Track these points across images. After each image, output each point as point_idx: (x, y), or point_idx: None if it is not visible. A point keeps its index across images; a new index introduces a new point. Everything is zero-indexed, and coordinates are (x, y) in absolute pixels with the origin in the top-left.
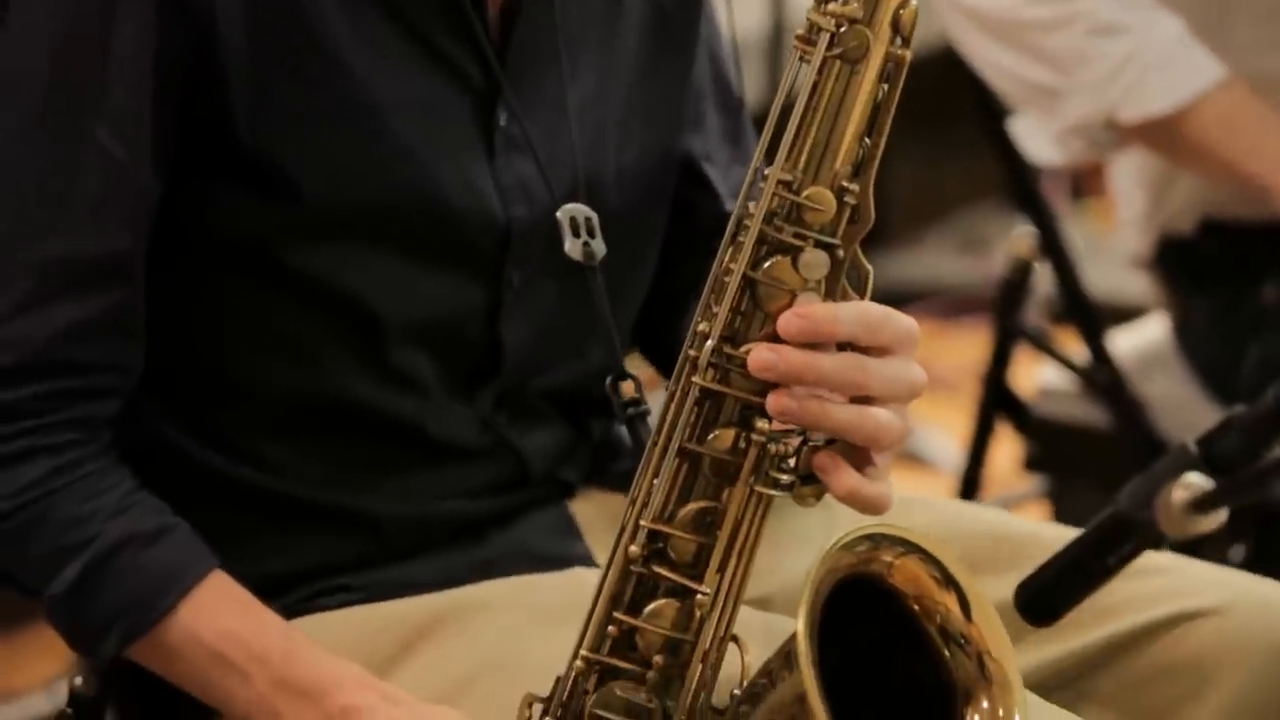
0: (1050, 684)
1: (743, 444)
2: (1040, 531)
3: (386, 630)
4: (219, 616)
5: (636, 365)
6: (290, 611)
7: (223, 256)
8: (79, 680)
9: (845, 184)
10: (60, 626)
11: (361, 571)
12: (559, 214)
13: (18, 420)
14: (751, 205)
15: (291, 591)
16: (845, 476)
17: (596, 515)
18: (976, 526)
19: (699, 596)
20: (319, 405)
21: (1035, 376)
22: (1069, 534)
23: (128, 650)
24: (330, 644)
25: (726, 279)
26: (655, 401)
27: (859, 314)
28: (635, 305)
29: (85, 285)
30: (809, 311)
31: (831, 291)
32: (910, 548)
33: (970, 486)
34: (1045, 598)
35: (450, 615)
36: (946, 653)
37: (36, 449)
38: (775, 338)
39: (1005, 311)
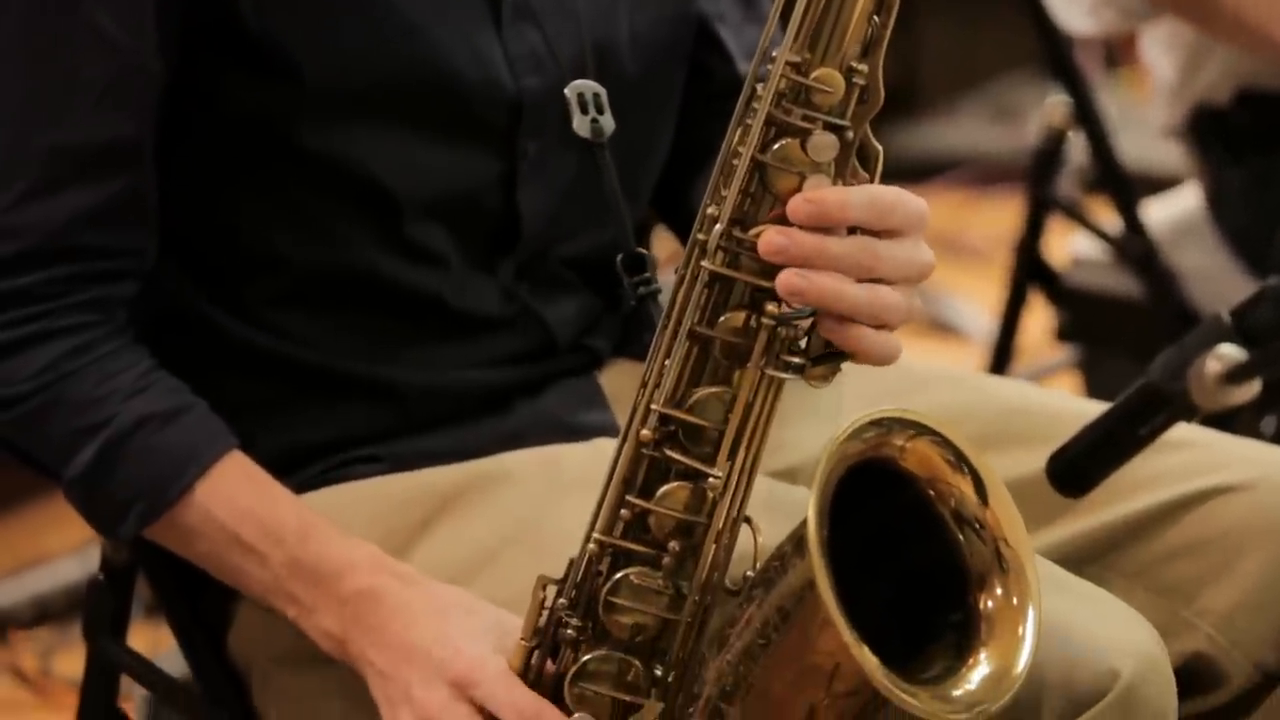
0: (1078, 558)
1: (753, 327)
2: (1067, 405)
3: (412, 500)
4: (235, 497)
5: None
6: (317, 481)
7: (235, 138)
8: (110, 546)
9: (854, 64)
10: (79, 507)
11: (388, 442)
12: (566, 91)
13: (31, 304)
14: (760, 87)
15: (318, 461)
16: (853, 331)
17: (625, 386)
18: (1003, 401)
19: (711, 479)
20: (340, 279)
21: (1068, 246)
22: (1096, 407)
23: (145, 530)
24: (356, 514)
25: (735, 162)
26: (667, 280)
27: (869, 198)
28: (652, 176)
29: (93, 172)
30: (818, 197)
31: (841, 173)
32: (922, 430)
33: (1001, 356)
34: (1077, 468)
35: (475, 485)
36: (960, 537)
37: (51, 332)
38: (784, 220)
39: (1038, 181)
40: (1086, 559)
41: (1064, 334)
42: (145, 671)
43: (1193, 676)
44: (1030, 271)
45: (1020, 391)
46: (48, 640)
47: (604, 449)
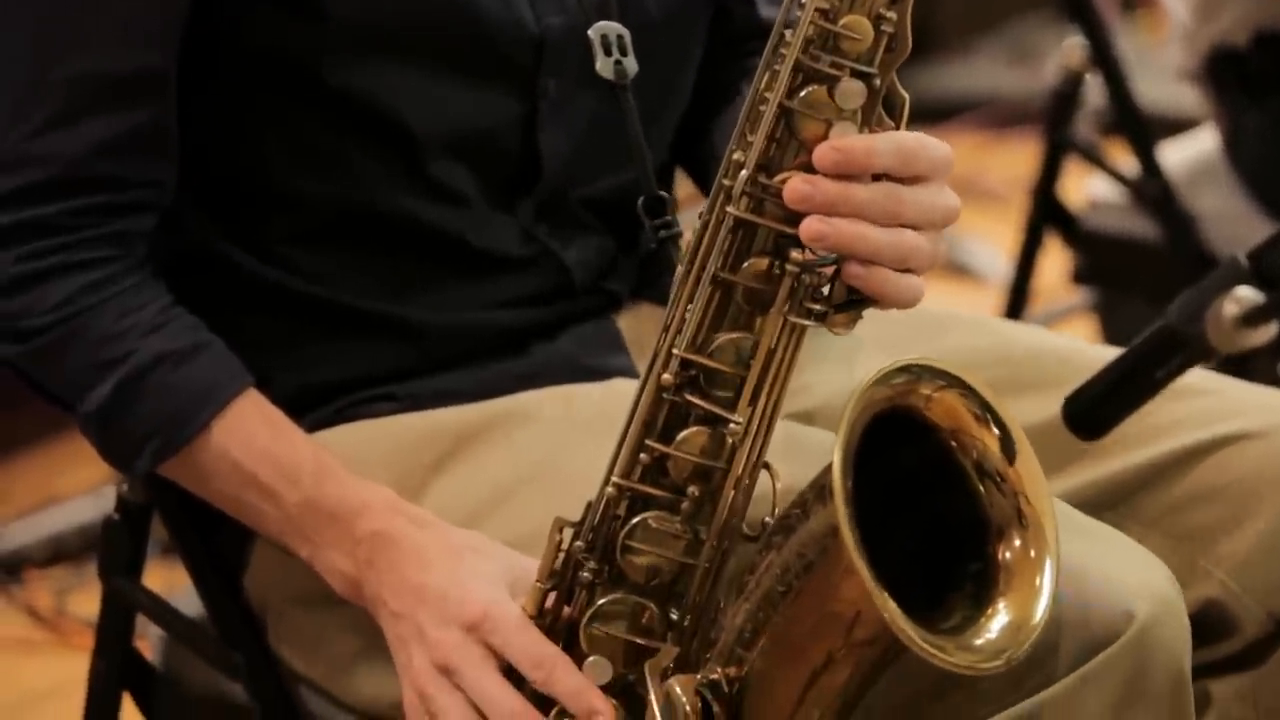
0: (1095, 504)
1: (776, 273)
2: (1083, 349)
3: (427, 439)
4: (251, 436)
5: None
6: (333, 419)
7: (258, 73)
8: (126, 487)
9: (883, 12)
10: (94, 441)
11: (404, 381)
12: (590, 32)
13: (51, 236)
14: (788, 33)
15: (334, 400)
16: (878, 275)
17: (643, 328)
18: (1020, 345)
19: (731, 425)
20: (359, 217)
21: (1085, 189)
22: (1113, 351)
23: (160, 467)
24: (371, 452)
25: (762, 108)
26: (687, 221)
27: (895, 145)
28: (674, 119)
29: (115, 102)
30: (844, 144)
31: (868, 120)
32: (949, 381)
33: (1018, 299)
34: (1093, 411)
35: (490, 425)
36: (981, 488)
37: (70, 264)
38: (810, 167)
39: (1055, 123)
40: (1103, 505)
41: (1080, 277)
42: (161, 611)
43: (1206, 624)
44: (1047, 214)
45: (1036, 336)
46: (63, 580)
47: (620, 389)
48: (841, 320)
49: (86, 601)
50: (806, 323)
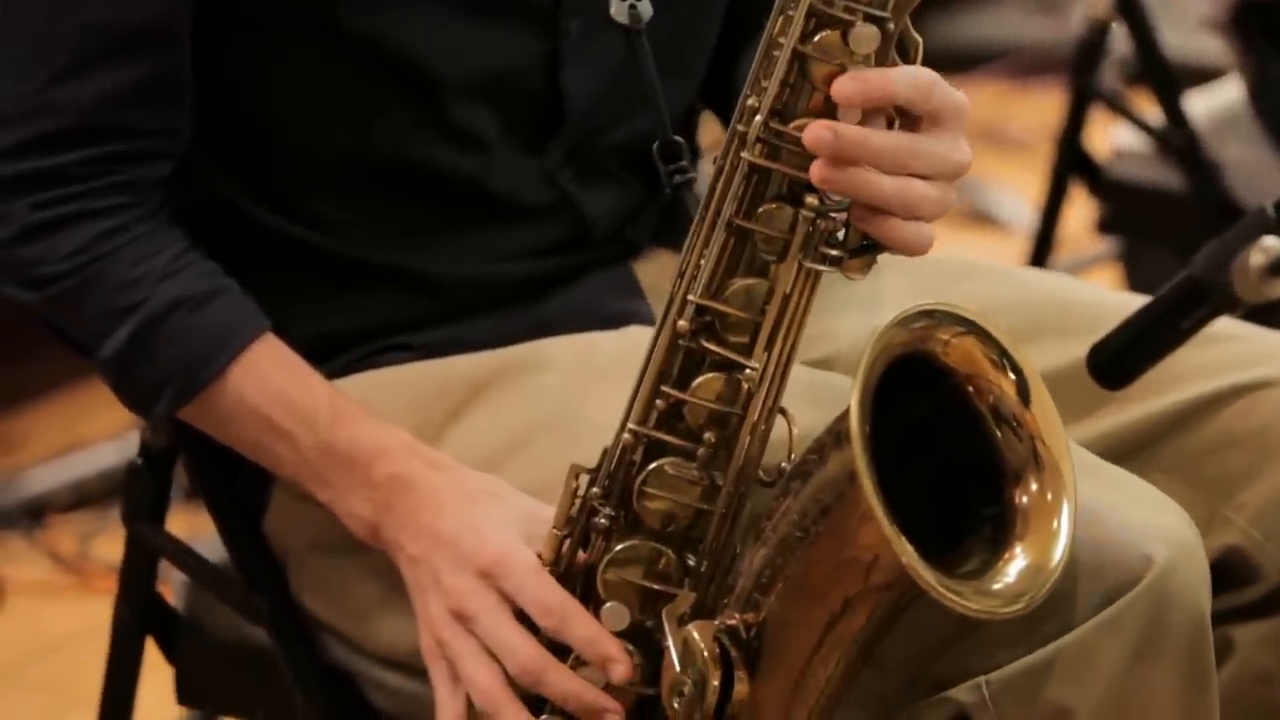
0: (1117, 451)
1: (791, 219)
2: (1107, 298)
3: (445, 387)
4: (268, 379)
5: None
6: (349, 369)
7: (273, 20)
8: (149, 432)
9: None
10: (113, 387)
11: (420, 330)
12: None
13: (65, 185)
14: None
15: (350, 350)
16: (885, 221)
17: (660, 275)
18: (1043, 293)
19: (747, 371)
20: (377, 164)
21: (1110, 138)
22: (1135, 300)
23: (179, 412)
24: (388, 400)
25: (775, 53)
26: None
27: (911, 77)
28: (699, 61)
29: (127, 51)
30: (863, 75)
31: (882, 65)
32: (968, 326)
33: (1042, 248)
34: (1118, 361)
35: (508, 372)
36: (998, 433)
37: (84, 213)
38: (824, 112)
39: (1081, 72)
40: (1125, 452)
41: (1105, 226)
42: (184, 556)
43: (1228, 571)
44: (1072, 163)
45: (1060, 284)
46: (86, 524)
47: (638, 337)
48: (856, 265)
49: (109, 546)
50: (821, 268)
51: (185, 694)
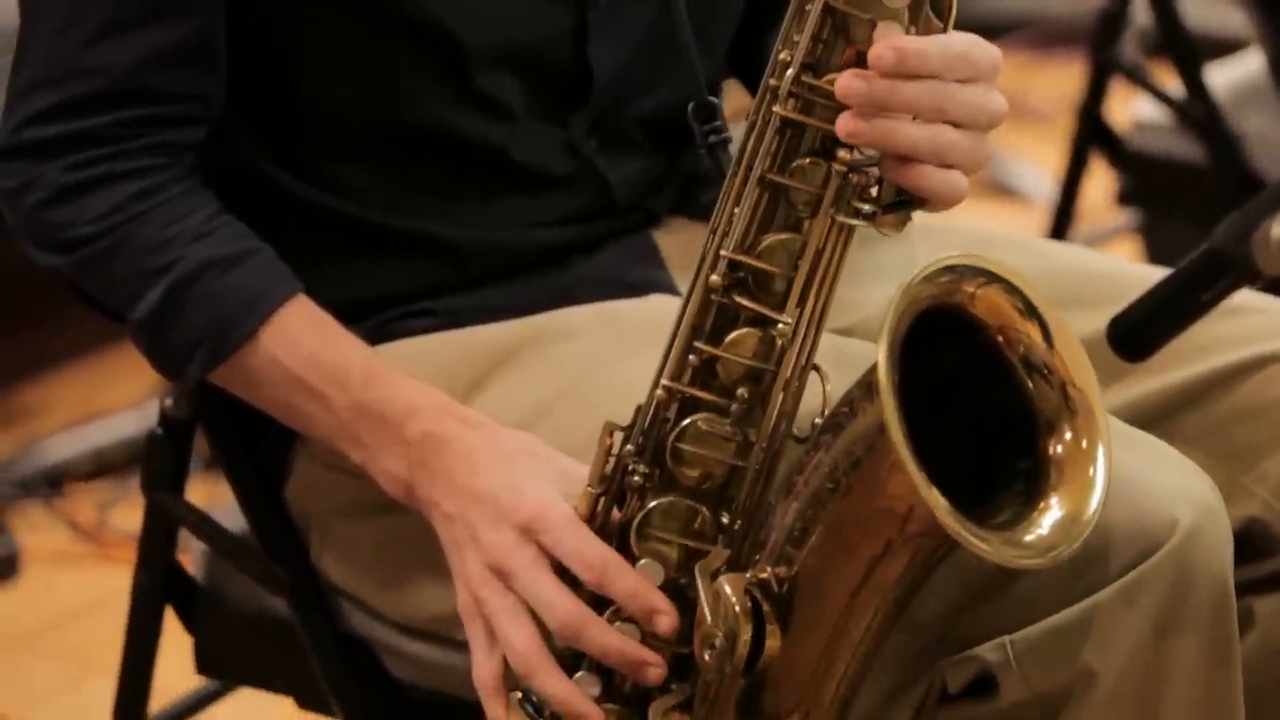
0: (1138, 422)
1: (824, 174)
2: (1128, 269)
3: (467, 356)
4: (300, 340)
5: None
6: (372, 336)
7: None
8: (170, 401)
9: None
10: (144, 349)
11: (443, 296)
12: None
13: (99, 146)
14: None
15: (372, 316)
16: (915, 169)
17: (680, 244)
18: (1063, 264)
19: (780, 326)
20: (403, 131)
21: (1130, 110)
22: (1156, 272)
23: (211, 374)
24: (411, 370)
25: (808, 7)
26: (738, 132)
27: (944, 47)
28: (726, 29)
29: (163, 14)
30: (899, 44)
31: (915, 19)
32: (992, 278)
33: (1062, 220)
34: (1138, 333)
35: (530, 341)
36: (1030, 383)
37: (117, 174)
38: (856, 66)
39: (1101, 43)
40: (1146, 423)
41: (1125, 198)
42: (203, 526)
43: (1249, 542)
44: (1092, 135)
45: (1080, 256)
46: (105, 493)
47: (660, 305)
48: (890, 221)
49: (128, 515)
50: (854, 222)
51: (204, 664)
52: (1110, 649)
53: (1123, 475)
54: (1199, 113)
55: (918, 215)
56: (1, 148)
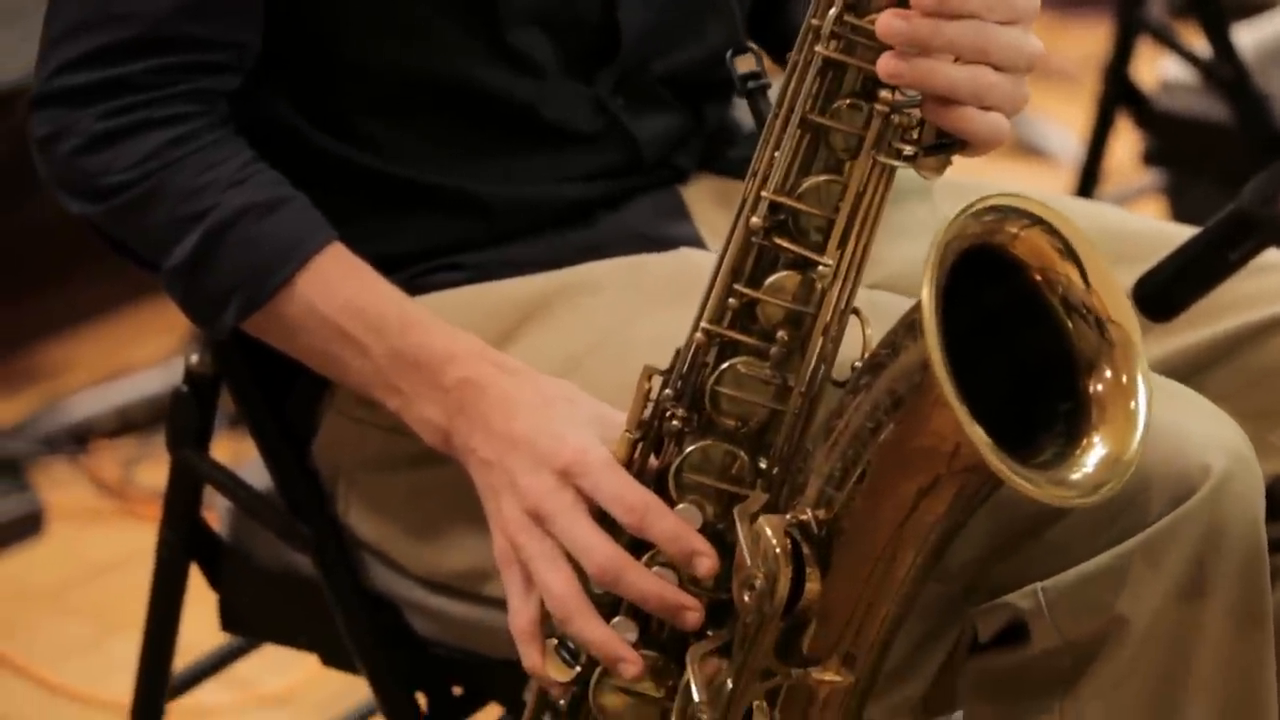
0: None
1: (865, 115)
2: (1156, 228)
3: (495, 311)
4: (336, 288)
5: None
6: (401, 289)
7: None
8: (195, 358)
9: None
10: (179, 299)
11: (471, 251)
12: None
13: (135, 93)
14: None
15: (400, 271)
16: (956, 110)
17: (707, 199)
18: (1092, 222)
19: (820, 268)
20: (433, 86)
21: (1157, 70)
22: (1184, 231)
23: (246, 323)
24: None
25: None
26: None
27: None
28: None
29: None
30: None
31: None
32: (1034, 220)
33: (1088, 180)
34: (1164, 293)
35: (558, 295)
36: (1069, 324)
37: (153, 121)
38: (898, 6)
39: (1128, 3)
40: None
41: (1151, 158)
42: (228, 483)
43: (1273, 500)
44: (1119, 95)
45: (1107, 214)
46: (130, 450)
47: (688, 258)
48: (931, 164)
49: (153, 472)
50: (895, 164)
51: (229, 621)
52: (1142, 596)
53: (1155, 423)
54: (1226, 73)
55: (948, 174)
56: (36, 95)
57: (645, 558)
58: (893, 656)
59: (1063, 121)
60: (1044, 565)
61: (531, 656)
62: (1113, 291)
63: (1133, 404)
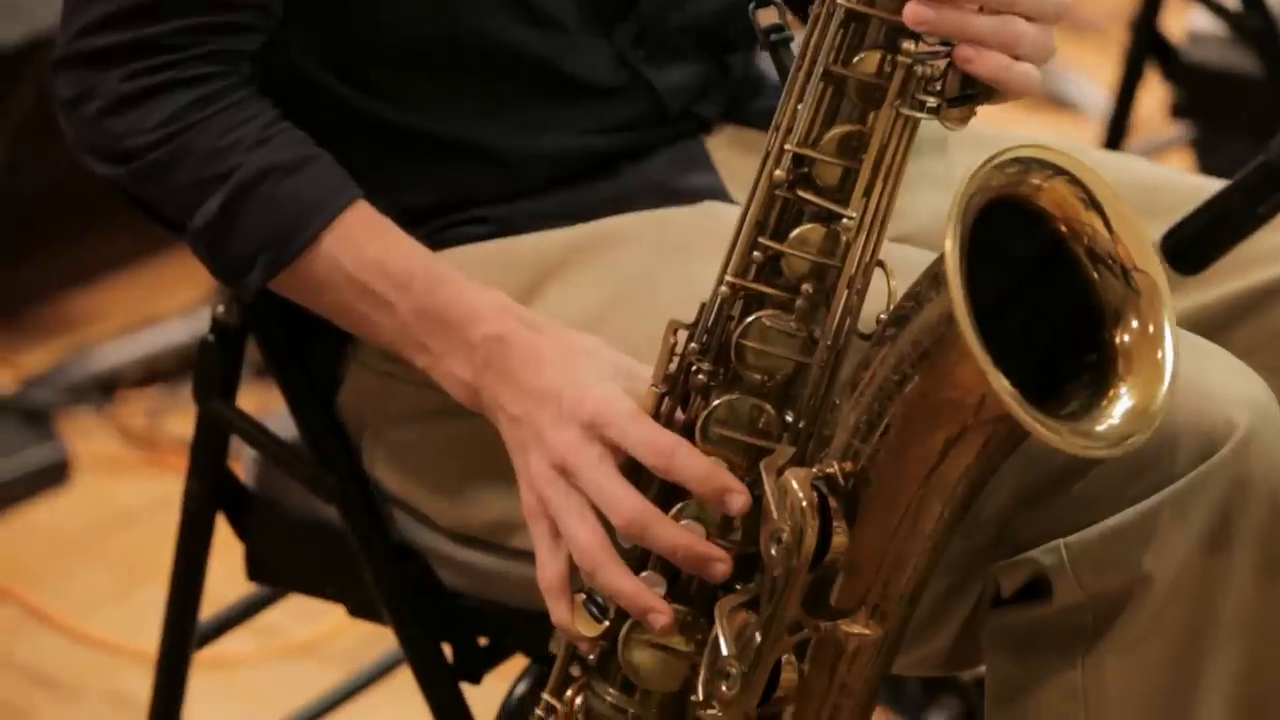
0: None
1: (888, 66)
2: (1184, 181)
3: (519, 265)
4: (363, 245)
5: None
6: (425, 244)
7: None
8: (221, 308)
9: None
10: (204, 258)
11: (495, 204)
12: None
13: (157, 54)
14: None
15: (423, 224)
16: (990, 58)
17: (732, 150)
18: (1119, 175)
19: (845, 220)
20: (453, 41)
21: (1185, 21)
22: (1213, 184)
23: (273, 282)
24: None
25: None
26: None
27: None
28: None
29: None
30: None
31: None
32: (1058, 170)
33: (1116, 132)
34: (1193, 246)
35: (583, 248)
36: (1095, 275)
37: (177, 82)
38: None
39: None
40: (1199, 335)
41: (1179, 110)
42: (255, 433)
43: None
44: (1147, 47)
45: (1135, 166)
46: (156, 400)
47: (712, 211)
48: (955, 115)
49: (179, 422)
50: (919, 115)
51: (255, 570)
52: (1166, 553)
53: (1180, 378)
54: (1255, 24)
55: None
56: (59, 57)
57: (673, 512)
58: (917, 612)
59: (1090, 74)
60: (1067, 522)
61: (560, 611)
62: (1138, 240)
63: (1160, 354)
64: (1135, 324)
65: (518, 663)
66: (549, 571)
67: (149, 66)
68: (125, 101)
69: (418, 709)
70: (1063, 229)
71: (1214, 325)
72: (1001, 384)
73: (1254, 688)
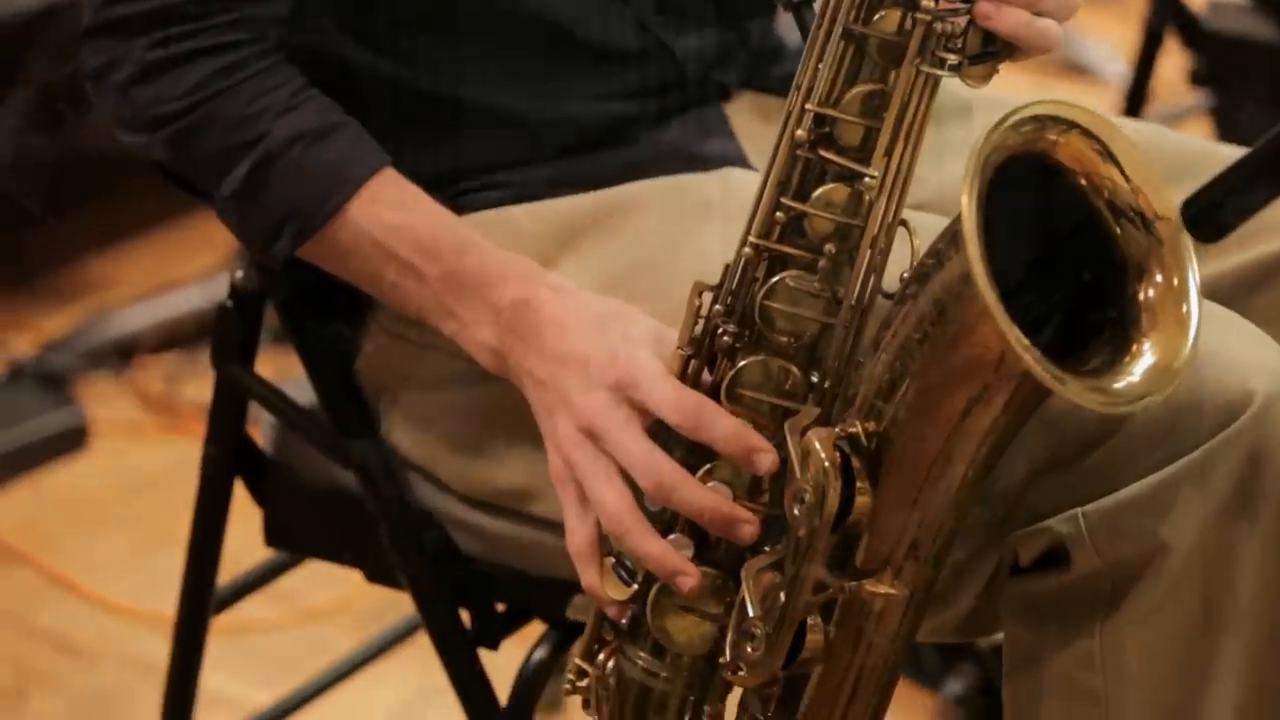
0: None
1: (908, 24)
2: (1204, 148)
3: (539, 231)
4: (390, 213)
5: None
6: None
7: None
8: (240, 274)
9: None
10: (232, 226)
11: (514, 169)
12: None
13: (184, 22)
14: None
15: (442, 189)
16: (1010, 14)
17: (751, 117)
18: (1139, 141)
19: (867, 180)
20: (476, 5)
21: None
22: (1232, 151)
23: (301, 249)
24: None
25: None
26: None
27: None
28: None
29: None
30: None
31: None
32: (1071, 124)
33: (1136, 99)
34: (1213, 213)
35: (602, 214)
36: (1118, 229)
37: (202, 50)
38: None
39: None
40: (1218, 302)
41: (1199, 78)
42: (273, 399)
43: None
44: (1167, 14)
45: (1154, 133)
46: (174, 365)
47: (732, 178)
48: (976, 72)
49: (197, 387)
50: (940, 73)
51: (273, 535)
52: (1184, 523)
53: (1199, 347)
54: None
55: (984, 89)
56: (86, 27)
57: (700, 474)
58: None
59: (1110, 41)
60: (1085, 491)
61: (589, 575)
62: (1155, 188)
63: (1184, 308)
64: (1159, 277)
65: (535, 629)
66: (577, 536)
67: (175, 35)
68: (152, 70)
69: (435, 675)
70: (1083, 183)
71: (1232, 293)
72: (1019, 339)
73: (1271, 655)
